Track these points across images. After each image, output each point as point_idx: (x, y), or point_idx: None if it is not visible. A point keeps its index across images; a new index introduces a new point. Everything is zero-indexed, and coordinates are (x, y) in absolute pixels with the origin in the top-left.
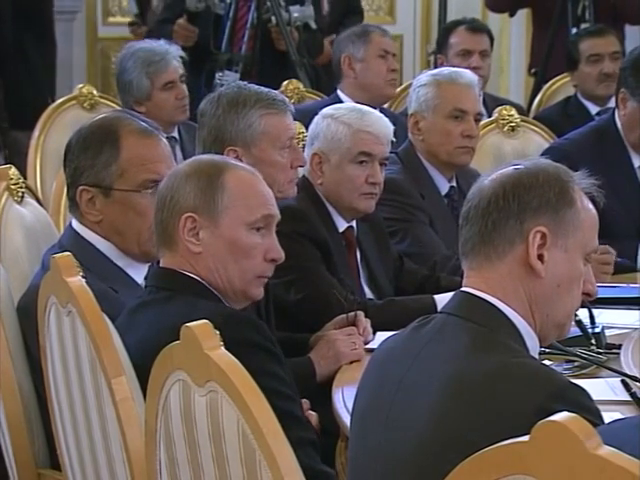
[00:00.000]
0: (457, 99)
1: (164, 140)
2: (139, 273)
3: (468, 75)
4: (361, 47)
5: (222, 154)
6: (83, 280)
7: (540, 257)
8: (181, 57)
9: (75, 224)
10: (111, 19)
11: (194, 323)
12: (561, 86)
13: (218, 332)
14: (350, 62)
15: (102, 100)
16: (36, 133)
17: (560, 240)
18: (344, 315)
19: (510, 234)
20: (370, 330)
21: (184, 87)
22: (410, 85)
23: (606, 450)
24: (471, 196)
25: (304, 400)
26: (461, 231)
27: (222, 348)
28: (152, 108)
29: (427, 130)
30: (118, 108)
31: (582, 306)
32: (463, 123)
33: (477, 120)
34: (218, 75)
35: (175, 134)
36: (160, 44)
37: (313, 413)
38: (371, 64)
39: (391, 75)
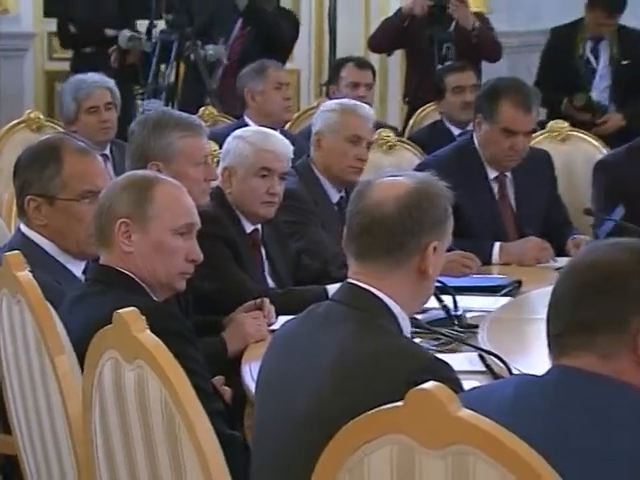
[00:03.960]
0: (356, 127)
1: (99, 158)
2: (78, 268)
3: (367, 109)
4: (260, 82)
5: (146, 167)
6: (30, 274)
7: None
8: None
9: (23, 228)
10: (55, 55)
11: (124, 310)
12: (430, 112)
13: (146, 321)
14: (252, 95)
15: (47, 123)
16: None
17: (440, 245)
18: (252, 302)
19: (411, 249)
20: (273, 314)
21: (109, 113)
22: (307, 111)
23: (465, 412)
24: (368, 210)
25: (219, 377)
26: (357, 238)
27: (147, 331)
28: (80, 128)
29: (327, 148)
30: (61, 130)
31: (448, 293)
32: (357, 148)
33: (368, 147)
34: (145, 102)
35: (107, 152)
36: (91, 76)
37: (227, 389)
38: (269, 96)
39: (286, 103)
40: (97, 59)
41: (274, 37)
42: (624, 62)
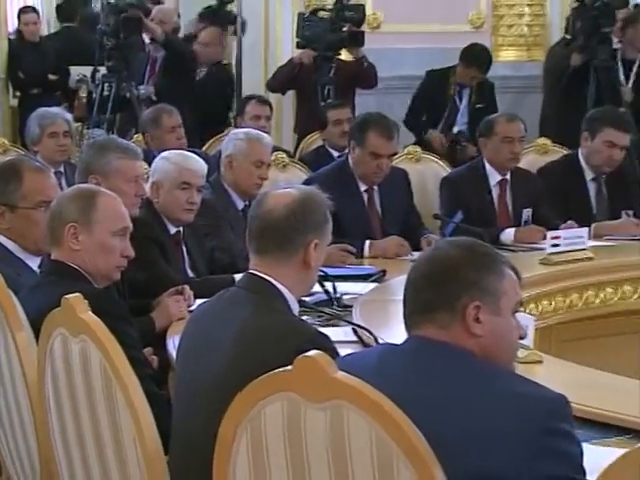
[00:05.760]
0: (260, 153)
1: (52, 174)
2: (34, 263)
3: (268, 139)
4: (156, 129)
5: (87, 180)
6: None
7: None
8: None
9: None
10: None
11: (71, 295)
12: (315, 139)
13: (89, 304)
14: (151, 138)
15: (12, 148)
16: None
17: (320, 243)
18: (175, 288)
19: (297, 246)
20: (192, 298)
21: (66, 140)
22: (219, 137)
23: (340, 374)
24: (264, 215)
25: (149, 348)
26: (256, 238)
27: (89, 312)
28: (42, 149)
29: (237, 169)
30: (22, 153)
31: (329, 280)
32: (261, 170)
33: (268, 167)
34: (90, 131)
35: (61, 169)
36: (55, 109)
37: (155, 357)
38: (163, 140)
39: (179, 142)
40: (42, 99)
41: (186, 61)
42: (479, 106)
